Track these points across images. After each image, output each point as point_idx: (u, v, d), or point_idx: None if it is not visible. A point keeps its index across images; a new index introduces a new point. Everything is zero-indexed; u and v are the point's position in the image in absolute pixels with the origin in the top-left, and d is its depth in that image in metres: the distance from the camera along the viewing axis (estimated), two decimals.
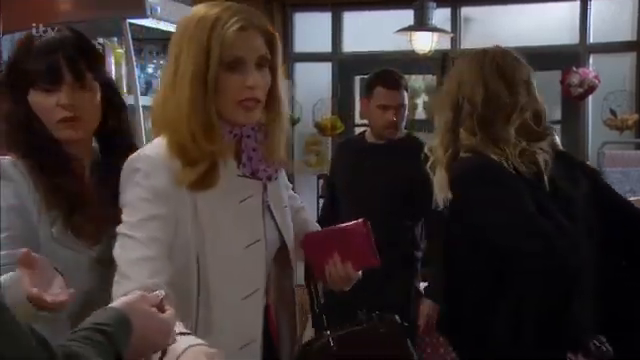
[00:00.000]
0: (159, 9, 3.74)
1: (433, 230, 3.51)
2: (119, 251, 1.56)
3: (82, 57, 1.71)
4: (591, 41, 5.94)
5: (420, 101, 6.64)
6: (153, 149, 1.67)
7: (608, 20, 5.90)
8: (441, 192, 1.87)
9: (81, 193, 1.65)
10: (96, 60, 1.76)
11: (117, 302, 1.27)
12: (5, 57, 3.47)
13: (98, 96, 1.72)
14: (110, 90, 1.77)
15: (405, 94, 3.64)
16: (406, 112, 3.68)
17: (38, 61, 1.70)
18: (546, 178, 1.77)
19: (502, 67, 1.86)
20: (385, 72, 3.71)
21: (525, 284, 1.72)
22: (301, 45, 6.53)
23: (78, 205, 1.62)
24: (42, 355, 1.00)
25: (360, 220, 1.85)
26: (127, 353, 1.16)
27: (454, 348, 1.95)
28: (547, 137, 1.85)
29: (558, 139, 2.00)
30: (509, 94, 1.82)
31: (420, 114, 6.61)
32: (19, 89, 1.70)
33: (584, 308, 1.74)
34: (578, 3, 5.92)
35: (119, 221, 1.60)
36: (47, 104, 1.68)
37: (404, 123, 3.71)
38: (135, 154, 1.68)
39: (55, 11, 3.73)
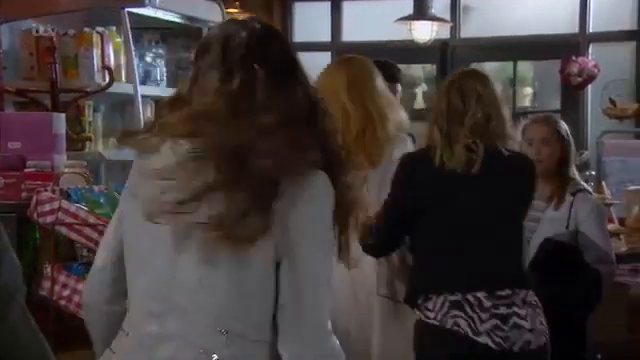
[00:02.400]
0: None
1: None
2: None
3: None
4: (591, 30, 5.93)
5: (419, 90, 6.64)
6: None
7: (608, 9, 5.89)
8: None
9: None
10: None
11: None
12: (5, 46, 3.47)
13: None
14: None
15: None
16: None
17: None
18: (476, 169, 2.44)
19: (461, 85, 2.53)
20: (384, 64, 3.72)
21: None
22: (301, 35, 6.53)
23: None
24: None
25: None
26: None
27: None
28: (499, 137, 2.51)
29: (518, 138, 2.87)
30: (463, 105, 2.51)
31: (419, 103, 6.61)
32: None
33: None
34: None
35: None
36: None
37: None
38: None
39: (55, 0, 3.73)
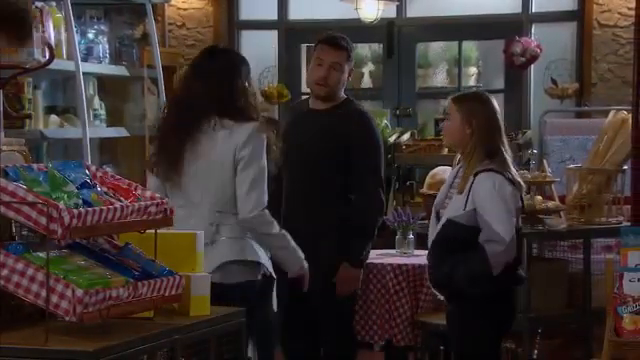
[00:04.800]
0: None
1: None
2: None
3: None
4: (533, 10, 6.02)
5: (366, 70, 6.66)
6: None
7: None
8: None
9: None
10: None
11: None
12: None
13: None
14: None
15: (344, 55, 3.63)
16: (342, 75, 3.65)
17: None
18: None
19: None
20: (331, 33, 3.75)
21: None
22: (247, 13, 6.49)
23: None
24: None
25: None
26: None
27: None
28: None
29: None
30: None
31: (366, 83, 6.63)
32: None
33: None
34: None
35: None
36: None
37: (341, 86, 3.69)
38: None
39: None
